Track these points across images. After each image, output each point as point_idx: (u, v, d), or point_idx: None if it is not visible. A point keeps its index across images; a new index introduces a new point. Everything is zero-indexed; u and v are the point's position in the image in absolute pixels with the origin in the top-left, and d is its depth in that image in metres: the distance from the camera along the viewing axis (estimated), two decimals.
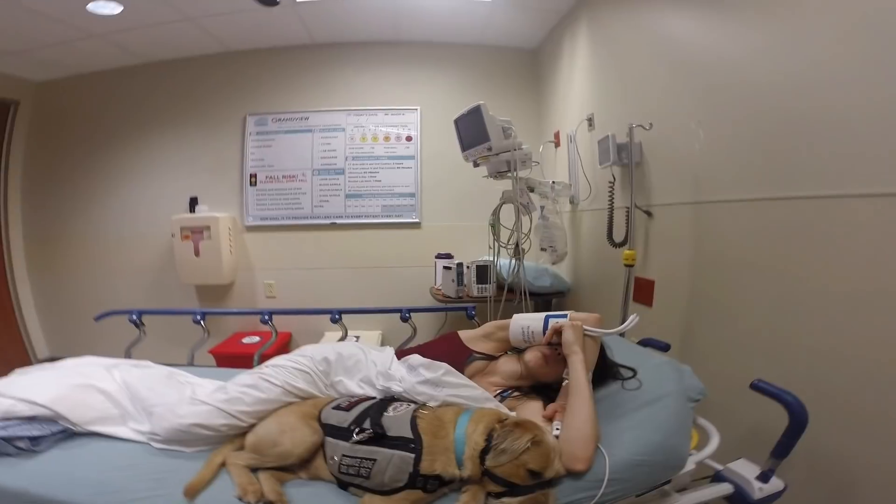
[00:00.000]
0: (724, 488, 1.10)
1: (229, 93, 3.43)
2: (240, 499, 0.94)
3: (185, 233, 3.17)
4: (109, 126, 3.47)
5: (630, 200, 2.03)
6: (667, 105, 1.92)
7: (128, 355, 1.99)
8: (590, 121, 2.57)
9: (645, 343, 1.67)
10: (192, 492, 0.95)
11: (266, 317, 2.31)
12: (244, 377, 1.19)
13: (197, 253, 3.16)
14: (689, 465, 1.05)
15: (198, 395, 1.19)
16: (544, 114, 3.42)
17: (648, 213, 2.08)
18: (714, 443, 1.15)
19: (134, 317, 2.17)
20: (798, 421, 1.04)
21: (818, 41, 1.28)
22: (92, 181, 3.51)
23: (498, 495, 0.92)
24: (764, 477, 1.08)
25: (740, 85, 1.54)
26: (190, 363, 2.14)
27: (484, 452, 0.95)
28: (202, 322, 2.28)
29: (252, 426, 1.11)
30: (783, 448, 1.06)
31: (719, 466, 1.15)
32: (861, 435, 1.25)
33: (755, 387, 1.15)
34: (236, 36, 3.21)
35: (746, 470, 1.11)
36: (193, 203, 3.36)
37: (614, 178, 2.21)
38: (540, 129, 3.46)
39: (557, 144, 3.14)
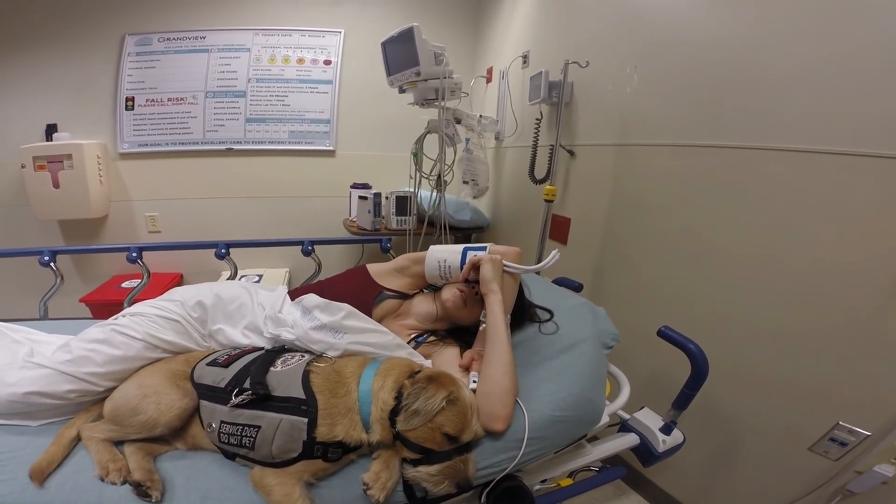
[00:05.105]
0: (632, 439, 1.04)
1: (101, 10, 2.57)
2: (102, 479, 0.72)
3: (40, 163, 2.47)
4: None
5: (556, 139, 1.87)
6: (605, 49, 1.75)
7: None
8: (525, 58, 2.35)
9: (559, 282, 1.56)
10: (39, 474, 0.71)
11: (134, 254, 1.82)
12: (93, 331, 0.90)
13: (56, 184, 2.49)
14: (604, 418, 0.95)
15: (34, 357, 0.87)
16: (480, 49, 3.08)
17: (571, 153, 1.94)
18: (625, 393, 1.07)
19: None
20: (699, 370, 0.97)
21: (757, 5, 1.20)
22: None
23: (414, 462, 0.73)
24: (666, 429, 1.03)
25: (681, 40, 1.43)
26: (43, 317, 1.67)
27: (394, 413, 0.75)
28: (52, 264, 1.74)
29: (112, 390, 0.85)
30: (684, 399, 1.00)
31: (626, 416, 1.09)
32: (746, 398, 1.27)
33: (662, 334, 1.08)
34: None
35: (650, 420, 1.06)
36: (51, 130, 2.62)
37: (542, 116, 2.05)
38: (473, 63, 3.11)
39: (489, 80, 2.86)
